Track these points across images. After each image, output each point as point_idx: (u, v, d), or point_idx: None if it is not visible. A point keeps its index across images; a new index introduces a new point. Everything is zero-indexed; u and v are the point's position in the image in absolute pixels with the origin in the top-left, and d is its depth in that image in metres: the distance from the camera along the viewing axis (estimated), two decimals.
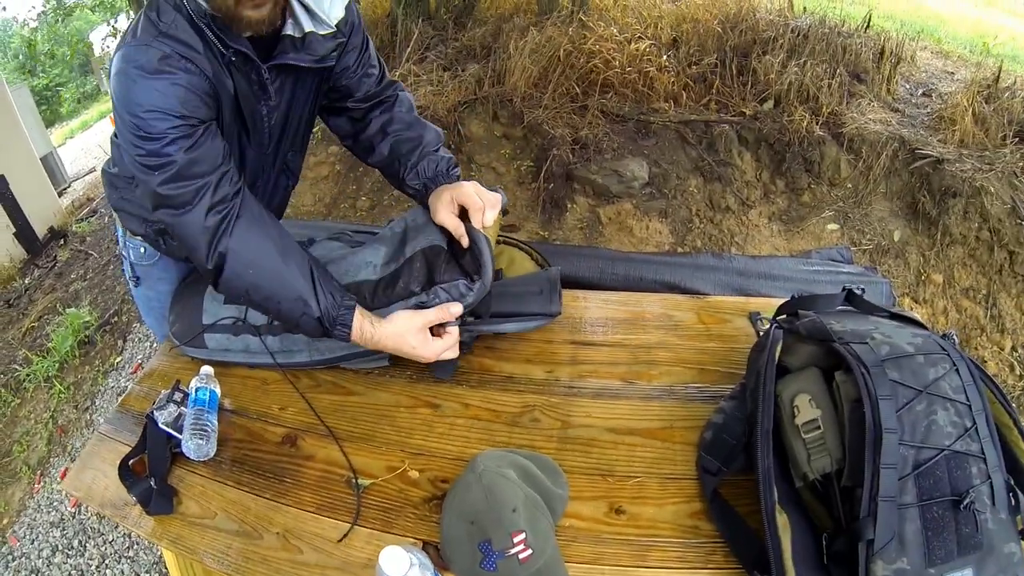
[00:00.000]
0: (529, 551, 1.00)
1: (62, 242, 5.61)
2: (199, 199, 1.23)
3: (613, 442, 1.31)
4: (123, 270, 1.94)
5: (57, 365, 3.85)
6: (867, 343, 1.02)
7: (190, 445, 1.31)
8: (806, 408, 1.05)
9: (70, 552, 2.86)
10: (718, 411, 1.27)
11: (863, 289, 1.23)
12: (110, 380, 3.67)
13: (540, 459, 1.19)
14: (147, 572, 2.66)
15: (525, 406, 1.41)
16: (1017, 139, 3.75)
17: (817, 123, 3.89)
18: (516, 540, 0.99)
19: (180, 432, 1.35)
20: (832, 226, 3.78)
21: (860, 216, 3.79)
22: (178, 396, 1.42)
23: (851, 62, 4.30)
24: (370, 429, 1.42)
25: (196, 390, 1.38)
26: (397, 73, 4.30)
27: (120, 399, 1.58)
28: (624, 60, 4.08)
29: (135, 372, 3.62)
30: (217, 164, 1.25)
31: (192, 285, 1.69)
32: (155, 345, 3.74)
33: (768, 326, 1.27)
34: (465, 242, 1.41)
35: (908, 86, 4.48)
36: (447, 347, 1.40)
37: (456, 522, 1.07)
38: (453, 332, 1.40)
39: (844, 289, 1.23)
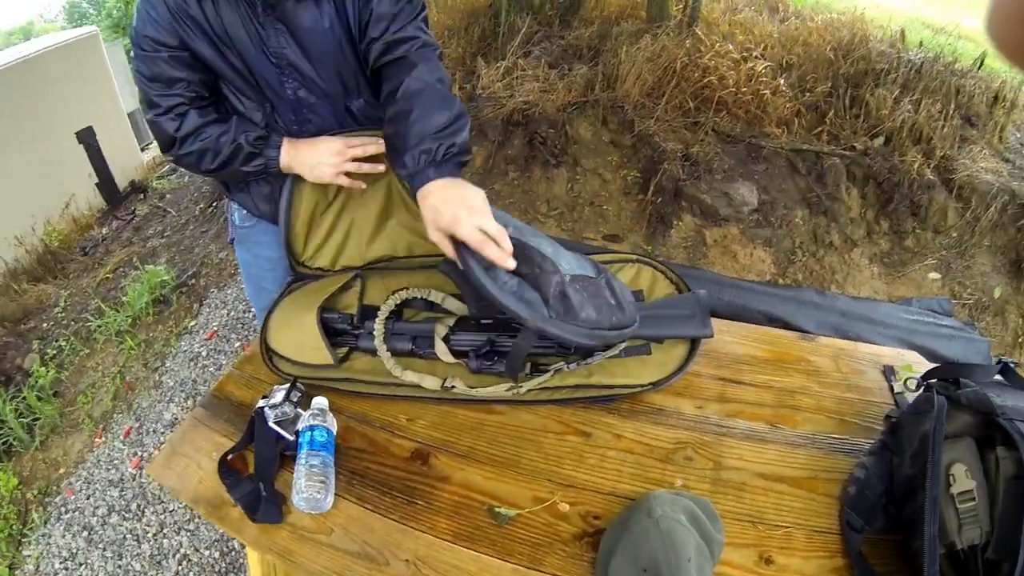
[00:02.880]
0: None
1: (142, 197, 5.62)
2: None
3: (763, 488, 1.24)
4: (227, 231, 1.90)
5: (130, 320, 3.79)
6: None
7: (304, 497, 1.15)
8: (962, 478, 1.05)
9: (127, 515, 2.77)
10: (859, 466, 1.25)
11: (1011, 363, 1.23)
12: (183, 343, 3.59)
13: (702, 502, 1.12)
14: (207, 548, 2.54)
15: (678, 442, 1.33)
16: None
17: (928, 166, 3.75)
18: None
19: (292, 434, 1.24)
20: (934, 275, 3.66)
21: (962, 268, 3.67)
22: (295, 396, 1.30)
23: (963, 104, 4.14)
24: (514, 454, 1.29)
25: (311, 429, 1.23)
26: (502, 65, 4.18)
27: (216, 383, 1.47)
28: (739, 79, 3.95)
29: (210, 339, 3.55)
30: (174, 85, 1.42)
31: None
32: (231, 314, 3.67)
33: (914, 387, 1.35)
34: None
35: (1019, 135, 4.30)
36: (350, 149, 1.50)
37: (626, 568, 1.00)
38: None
39: (999, 361, 1.23)
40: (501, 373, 1.37)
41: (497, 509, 1.18)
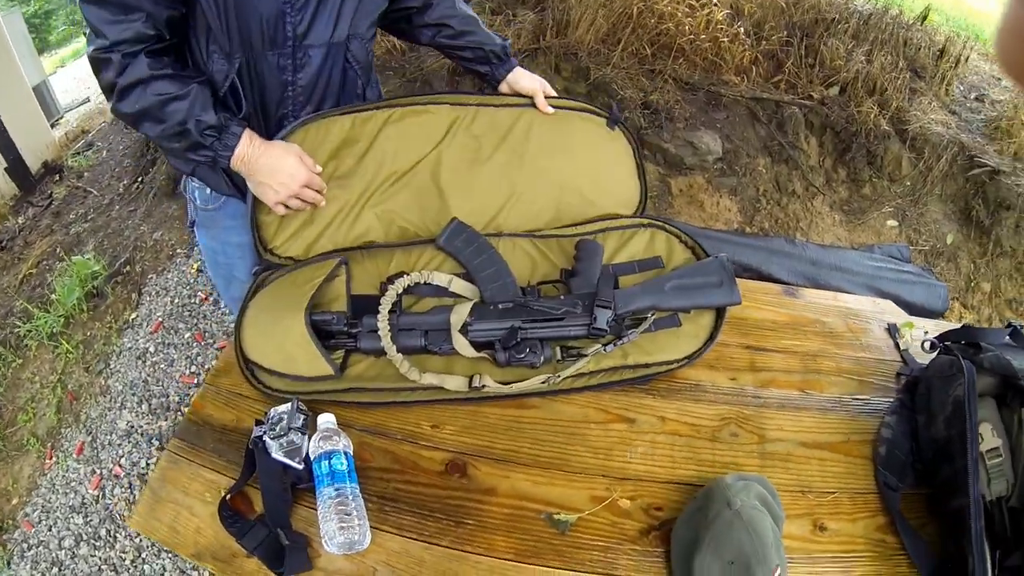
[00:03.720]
0: None
1: (58, 178, 5.16)
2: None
3: (806, 457, 1.25)
4: (187, 213, 1.64)
5: (62, 320, 3.44)
6: None
7: (339, 542, 0.98)
8: (989, 436, 1.13)
9: (97, 543, 2.52)
10: (885, 426, 1.31)
11: (1020, 326, 1.32)
12: (126, 340, 3.29)
13: (764, 481, 1.11)
14: (194, 569, 2.33)
15: (721, 419, 1.29)
16: None
17: (884, 117, 3.83)
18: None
19: (301, 463, 1.07)
20: (891, 222, 3.78)
21: (916, 215, 3.80)
22: (299, 420, 1.10)
23: (911, 56, 4.26)
24: (560, 451, 1.18)
25: (327, 457, 1.05)
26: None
27: (190, 405, 1.28)
28: (697, 25, 3.85)
29: (155, 331, 3.26)
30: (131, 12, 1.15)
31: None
32: (175, 301, 3.39)
33: (929, 348, 1.42)
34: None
35: (962, 88, 4.45)
36: (313, 184, 1.37)
37: (712, 562, 0.97)
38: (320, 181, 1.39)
39: (1009, 325, 1.31)
40: (534, 364, 1.22)
41: (556, 516, 1.07)
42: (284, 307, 1.28)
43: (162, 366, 3.08)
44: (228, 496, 1.06)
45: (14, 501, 2.82)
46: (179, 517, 1.07)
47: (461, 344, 1.23)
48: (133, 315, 3.41)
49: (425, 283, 1.35)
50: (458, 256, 1.36)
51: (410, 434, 1.19)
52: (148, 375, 3.06)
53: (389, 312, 1.27)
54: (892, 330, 1.58)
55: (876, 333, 1.57)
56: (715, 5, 3.86)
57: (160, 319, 3.32)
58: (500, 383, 1.21)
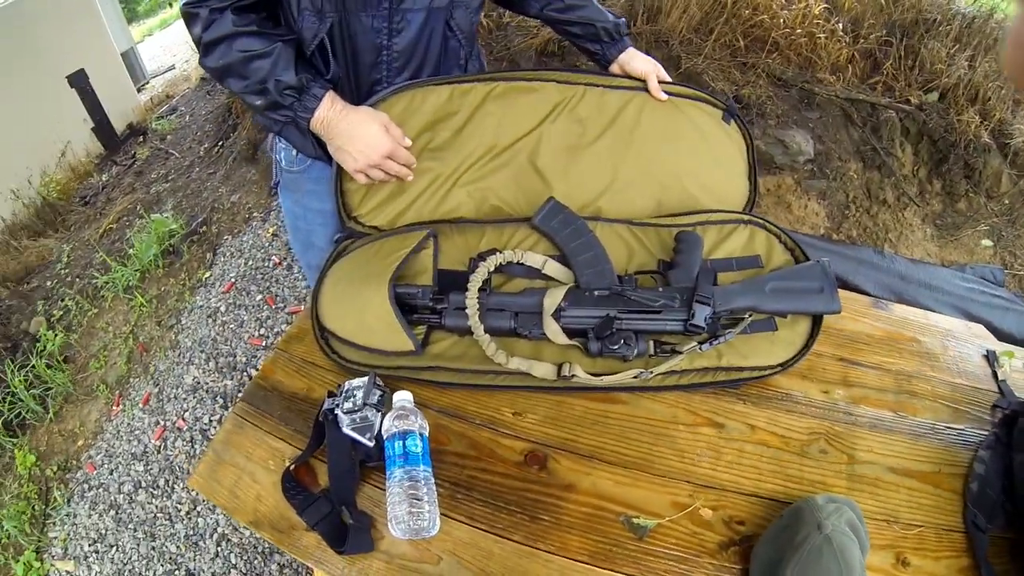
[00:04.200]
0: None
1: (141, 139, 5.30)
2: None
3: (895, 484, 1.16)
4: (272, 173, 1.63)
5: (138, 275, 3.53)
6: None
7: (405, 527, 0.94)
8: None
9: (155, 491, 2.58)
10: (978, 461, 1.22)
11: None
12: (198, 298, 3.35)
13: (854, 506, 1.02)
14: (246, 528, 2.34)
15: (811, 433, 1.21)
16: None
17: (985, 128, 3.61)
18: None
19: (372, 440, 1.03)
20: (986, 242, 3.56)
21: (1014, 237, 3.58)
22: (375, 396, 1.06)
23: None
24: (646, 452, 1.12)
25: (402, 437, 1.01)
26: None
27: (259, 368, 1.25)
28: (793, 19, 3.67)
29: (227, 291, 3.31)
30: None
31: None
32: (249, 263, 3.43)
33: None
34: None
35: None
36: (397, 157, 1.32)
37: None
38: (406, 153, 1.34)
39: None
40: (627, 357, 1.16)
41: (635, 520, 1.02)
42: (366, 276, 1.24)
43: (231, 326, 3.13)
44: (292, 466, 1.04)
45: (79, 443, 2.91)
46: (240, 482, 1.06)
47: (553, 330, 1.18)
48: (207, 274, 3.47)
49: (518, 263, 1.30)
50: (554, 237, 1.31)
51: (490, 420, 1.14)
52: (217, 334, 3.10)
53: (479, 290, 1.22)
54: (991, 357, 1.47)
55: (974, 359, 1.46)
56: None
57: (233, 280, 3.36)
58: (590, 374, 1.15)
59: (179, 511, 2.48)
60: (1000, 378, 1.42)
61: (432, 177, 1.40)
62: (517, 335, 1.21)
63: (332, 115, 1.27)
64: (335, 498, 0.99)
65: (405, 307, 1.21)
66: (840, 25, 3.72)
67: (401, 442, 0.99)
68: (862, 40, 3.81)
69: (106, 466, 2.75)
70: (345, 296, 1.25)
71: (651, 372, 1.15)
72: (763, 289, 1.25)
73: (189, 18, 1.20)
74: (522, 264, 1.30)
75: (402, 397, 1.08)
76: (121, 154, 5.20)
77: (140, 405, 2.94)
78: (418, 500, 0.95)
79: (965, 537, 1.09)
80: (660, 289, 1.23)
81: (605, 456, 1.09)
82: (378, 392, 1.08)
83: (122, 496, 2.60)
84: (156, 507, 2.52)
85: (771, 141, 3.40)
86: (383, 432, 1.03)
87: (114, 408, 3.00)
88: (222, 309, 3.22)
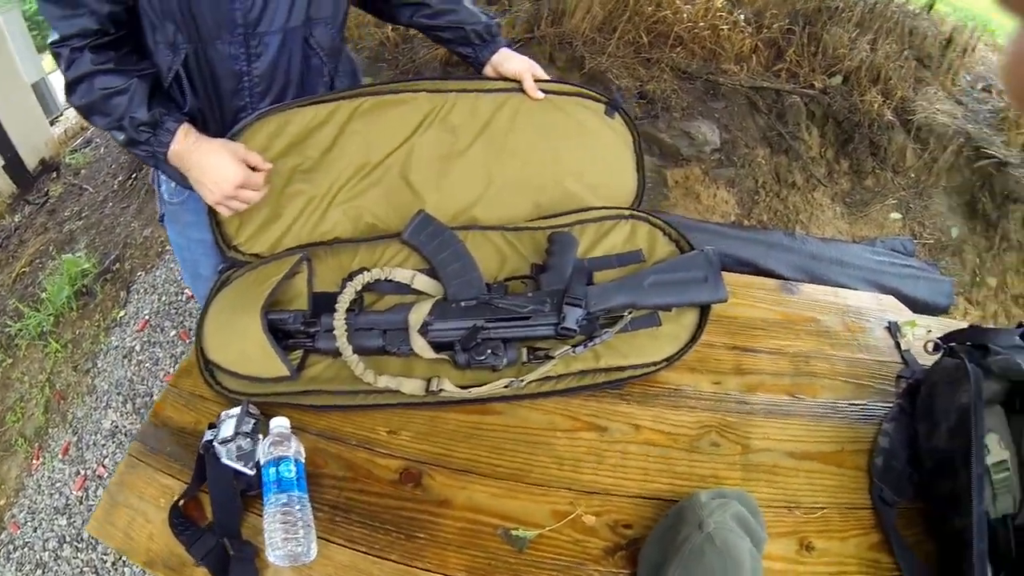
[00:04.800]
0: None
1: (55, 175, 5.13)
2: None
3: (794, 469, 1.16)
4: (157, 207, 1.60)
5: (52, 319, 3.41)
6: None
7: (281, 554, 0.93)
8: (996, 448, 1.05)
9: (79, 545, 2.48)
10: (883, 434, 1.22)
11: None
12: (113, 338, 3.25)
13: (744, 497, 1.02)
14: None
15: (701, 427, 1.20)
16: None
17: (888, 107, 3.75)
18: None
19: (253, 469, 1.01)
20: (895, 215, 3.69)
21: (921, 208, 3.70)
22: (249, 423, 1.05)
23: (917, 46, 4.17)
24: (522, 462, 1.10)
25: (276, 463, 0.99)
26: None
27: (152, 408, 1.22)
28: (695, 13, 3.77)
29: (142, 329, 3.22)
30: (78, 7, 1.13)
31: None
32: (162, 299, 3.34)
33: (931, 349, 1.30)
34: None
35: (969, 78, 4.33)
36: (250, 186, 1.26)
37: None
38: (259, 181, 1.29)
39: (1020, 325, 1.21)
40: (496, 367, 1.15)
41: (513, 532, 1.00)
42: (242, 305, 1.21)
43: (147, 365, 3.04)
44: (181, 502, 1.02)
45: (1, 502, 2.79)
46: (134, 523, 1.03)
47: (420, 345, 1.16)
48: (121, 313, 3.37)
49: (387, 279, 1.28)
50: (422, 250, 1.29)
51: (365, 439, 1.12)
52: (133, 374, 3.01)
53: (348, 310, 1.20)
54: (893, 329, 1.48)
55: (876, 332, 1.48)
56: None
57: (147, 317, 3.27)
58: (460, 387, 1.13)
59: (104, 562, 2.38)
60: (903, 348, 1.43)
61: (306, 199, 1.37)
62: (387, 353, 1.19)
63: (185, 148, 1.24)
64: (219, 530, 0.98)
65: (280, 333, 1.19)
66: (742, 16, 3.83)
67: (275, 468, 0.98)
68: (765, 30, 3.91)
69: (29, 524, 2.64)
70: (225, 326, 1.22)
71: (522, 381, 1.13)
72: (642, 284, 1.25)
73: (55, 58, 1.19)
74: (391, 280, 1.28)
75: (278, 423, 1.06)
76: (34, 192, 5.02)
77: (60, 456, 2.83)
78: (292, 526, 0.93)
79: (873, 513, 1.10)
80: (530, 294, 1.22)
81: (480, 469, 1.07)
82: (252, 420, 1.06)
83: (47, 553, 2.49)
84: (83, 560, 2.42)
85: (677, 133, 3.45)
86: (260, 457, 1.01)
87: (34, 462, 2.88)
88: (137, 348, 3.13)
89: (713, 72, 3.73)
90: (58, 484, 2.74)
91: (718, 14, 3.76)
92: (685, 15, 3.69)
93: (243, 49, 1.26)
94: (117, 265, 3.65)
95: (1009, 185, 3.50)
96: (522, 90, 1.43)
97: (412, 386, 1.14)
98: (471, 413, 1.15)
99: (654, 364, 1.23)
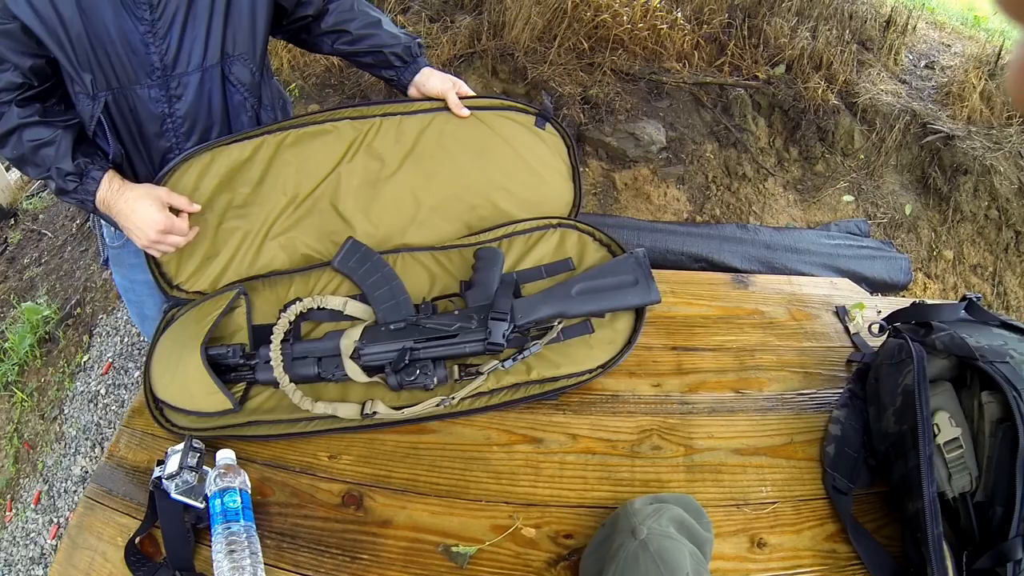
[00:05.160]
0: None
1: (12, 222, 5.07)
2: None
3: (741, 466, 1.16)
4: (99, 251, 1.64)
5: (16, 369, 3.39)
6: (1008, 362, 1.01)
7: None
8: (946, 426, 1.03)
9: None
10: (833, 421, 1.22)
11: (976, 298, 1.22)
12: (78, 383, 3.24)
13: (684, 500, 1.02)
14: None
15: (641, 431, 1.20)
16: (1021, 119, 3.76)
17: (832, 91, 3.79)
18: None
19: (202, 502, 1.03)
20: (847, 198, 3.72)
21: (873, 188, 3.73)
22: (193, 459, 1.07)
23: (857, 29, 4.20)
24: (459, 478, 1.13)
25: (220, 495, 1.02)
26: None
27: (107, 448, 1.24)
28: (634, 15, 3.79)
29: (105, 372, 3.21)
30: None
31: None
32: (124, 340, 3.33)
33: (878, 331, 1.32)
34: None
35: (911, 57, 4.40)
36: (175, 231, 1.29)
37: None
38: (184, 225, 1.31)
39: (964, 298, 1.21)
40: (428, 386, 1.18)
41: (454, 548, 1.02)
42: (184, 344, 1.23)
43: (113, 408, 3.02)
44: (137, 539, 1.04)
45: None
46: (94, 563, 1.04)
47: (353, 370, 1.19)
48: (85, 358, 3.35)
49: (319, 308, 1.31)
50: (352, 277, 1.32)
51: (308, 466, 1.14)
52: (100, 418, 3.00)
53: (283, 341, 1.23)
54: (841, 313, 1.49)
55: (824, 318, 1.49)
56: None
57: (110, 359, 3.26)
58: (394, 408, 1.16)
59: None
60: (853, 331, 1.44)
61: (242, 235, 1.40)
62: (323, 379, 1.22)
63: (111, 196, 1.26)
64: (172, 564, 1.00)
65: (222, 367, 1.21)
66: (680, 15, 3.85)
67: (220, 500, 1.01)
68: (705, 26, 3.94)
69: None
70: (170, 364, 1.24)
71: (453, 398, 1.16)
72: (569, 293, 1.26)
73: None
74: (324, 308, 1.31)
75: (223, 456, 1.09)
76: None
77: (32, 505, 2.81)
78: (239, 555, 0.96)
79: (828, 503, 1.11)
80: (456, 312, 1.25)
81: (418, 488, 1.10)
82: (196, 454, 1.08)
83: None
84: None
85: (622, 136, 3.47)
86: (207, 490, 1.04)
87: (7, 514, 2.86)
88: (102, 392, 3.12)
89: (656, 72, 3.76)
90: (32, 534, 2.72)
91: (657, 14, 3.79)
92: (624, 17, 3.72)
93: (163, 91, 1.29)
94: (78, 310, 3.63)
95: (957, 158, 3.56)
96: (448, 108, 1.44)
97: (347, 410, 1.16)
98: (408, 433, 1.18)
99: (588, 372, 1.25)
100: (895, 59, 4.18)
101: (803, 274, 3.03)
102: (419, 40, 1.51)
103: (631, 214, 3.44)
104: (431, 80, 1.46)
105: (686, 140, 3.63)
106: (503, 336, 1.19)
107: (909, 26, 4.30)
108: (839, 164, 3.78)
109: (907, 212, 3.65)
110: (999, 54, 4.01)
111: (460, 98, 1.44)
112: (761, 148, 3.76)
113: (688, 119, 3.70)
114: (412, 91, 1.48)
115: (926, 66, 4.27)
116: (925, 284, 3.47)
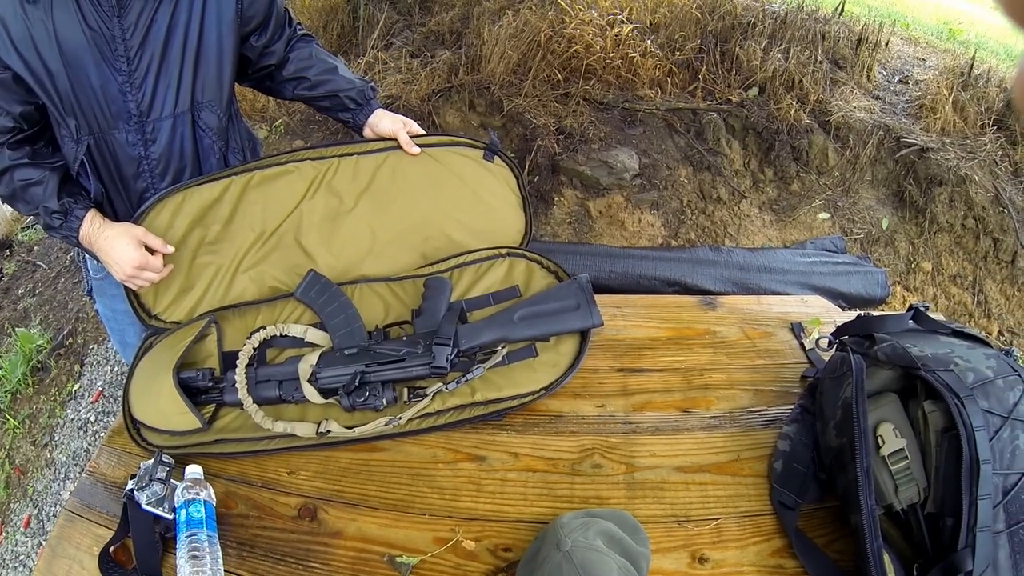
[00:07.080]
0: None
1: (7, 254, 5.18)
2: None
3: (684, 483, 1.19)
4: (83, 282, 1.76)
5: (9, 396, 3.48)
6: (952, 370, 1.01)
7: None
8: (891, 438, 1.03)
9: None
10: (783, 437, 1.23)
11: (923, 307, 1.23)
12: (69, 411, 3.33)
13: (618, 516, 1.05)
14: None
15: (583, 450, 1.26)
16: (995, 127, 3.82)
17: (804, 111, 3.84)
18: None
19: (171, 513, 1.12)
20: (823, 215, 3.75)
21: (849, 205, 3.77)
22: (162, 471, 1.16)
23: (830, 49, 4.28)
24: (406, 493, 1.21)
25: (186, 506, 1.11)
26: (363, 61, 4.05)
27: (88, 465, 1.33)
28: (607, 45, 3.88)
29: (95, 401, 3.30)
30: None
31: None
32: (114, 369, 3.42)
33: (827, 346, 1.33)
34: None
35: (885, 73, 4.47)
36: (150, 267, 1.39)
37: None
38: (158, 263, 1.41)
39: (910, 307, 1.22)
40: (377, 407, 1.28)
41: (398, 559, 1.10)
42: (158, 369, 1.33)
43: (102, 435, 3.11)
44: (111, 548, 1.11)
45: None
46: (71, 571, 1.12)
47: (310, 392, 1.29)
48: (76, 386, 3.44)
49: (282, 335, 1.41)
50: (313, 306, 1.42)
51: (269, 481, 1.23)
52: (90, 445, 3.09)
53: (248, 365, 1.33)
54: (796, 329, 1.51)
55: (779, 335, 1.52)
56: (623, 22, 3.90)
57: (100, 388, 3.35)
58: (347, 427, 1.26)
59: None
60: (808, 347, 1.46)
61: (215, 270, 1.51)
62: (284, 401, 1.32)
63: (92, 234, 1.38)
64: (142, 571, 1.08)
65: (193, 390, 1.31)
66: (650, 42, 3.95)
67: (186, 510, 1.10)
68: (678, 52, 4.03)
69: None
70: (146, 387, 1.34)
71: (400, 418, 1.26)
72: (511, 319, 1.35)
73: None
74: (287, 336, 1.41)
75: (192, 470, 1.18)
76: None
77: (22, 529, 2.89)
78: (200, 561, 1.04)
79: (775, 518, 1.13)
80: (405, 338, 1.35)
81: (368, 502, 1.19)
82: (165, 467, 1.17)
83: None
84: None
85: (596, 164, 3.56)
86: (175, 502, 1.13)
87: None
88: (92, 419, 3.21)
89: (629, 100, 3.85)
90: (21, 557, 2.79)
91: (628, 42, 3.88)
92: (597, 48, 3.81)
93: (139, 136, 1.41)
94: (70, 340, 3.73)
95: (932, 169, 3.61)
96: (400, 147, 1.55)
97: (304, 429, 1.26)
98: (361, 451, 1.27)
99: (531, 394, 1.34)
100: (868, 76, 4.25)
101: (777, 293, 3.11)
102: (372, 84, 1.63)
103: (606, 241, 3.51)
104: (383, 121, 1.57)
105: (660, 166, 3.70)
106: (447, 360, 1.28)
107: (881, 43, 4.37)
108: (814, 182, 3.83)
109: (884, 226, 3.69)
110: (971, 65, 4.07)
111: (411, 137, 1.55)
112: (736, 170, 3.83)
113: (661, 145, 3.78)
114: (367, 132, 1.59)
115: (900, 81, 4.35)
116: (904, 297, 3.51)
